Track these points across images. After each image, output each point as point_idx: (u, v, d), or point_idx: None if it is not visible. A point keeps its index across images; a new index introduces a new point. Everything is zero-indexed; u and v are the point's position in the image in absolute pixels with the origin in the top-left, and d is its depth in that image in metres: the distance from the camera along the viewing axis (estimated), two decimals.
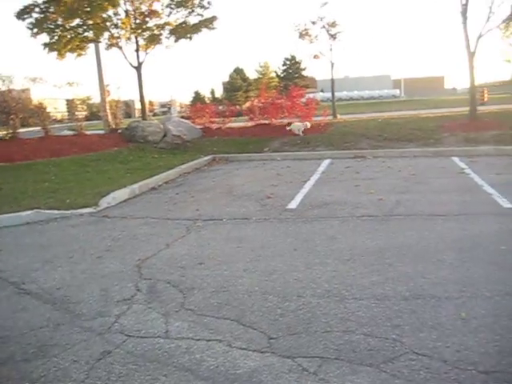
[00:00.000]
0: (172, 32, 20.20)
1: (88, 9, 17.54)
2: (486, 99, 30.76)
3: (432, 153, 13.04)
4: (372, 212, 7.25)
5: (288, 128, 17.42)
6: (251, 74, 71.91)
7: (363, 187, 9.11)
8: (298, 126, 17.27)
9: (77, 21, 18.39)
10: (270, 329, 3.84)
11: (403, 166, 11.45)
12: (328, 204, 7.91)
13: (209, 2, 20.25)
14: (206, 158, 14.34)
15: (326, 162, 12.88)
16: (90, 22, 18.20)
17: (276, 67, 70.89)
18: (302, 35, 24.35)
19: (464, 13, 16.66)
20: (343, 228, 6.53)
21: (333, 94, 25.91)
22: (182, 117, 23.54)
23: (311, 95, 24.47)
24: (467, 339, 3.50)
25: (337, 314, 4.00)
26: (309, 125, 17.49)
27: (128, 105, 52.99)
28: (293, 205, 8.02)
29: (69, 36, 18.65)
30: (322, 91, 66.62)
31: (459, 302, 4.12)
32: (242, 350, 3.56)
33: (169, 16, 20.21)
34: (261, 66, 73.15)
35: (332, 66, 24.60)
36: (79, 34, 18.71)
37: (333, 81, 25.25)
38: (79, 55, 19.63)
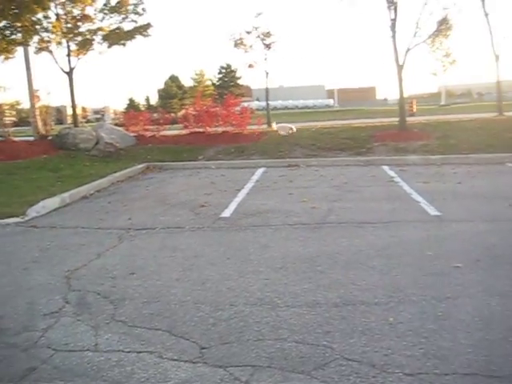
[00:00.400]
0: (105, 38, 19.84)
1: (16, 10, 16.93)
2: (414, 110, 32.00)
3: (363, 162, 13.41)
4: (305, 220, 7.36)
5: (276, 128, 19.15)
6: (187, 82, 71.66)
7: (296, 196, 9.24)
8: (284, 127, 19.31)
9: (3, 22, 17.71)
10: (201, 338, 3.81)
11: (336, 174, 11.71)
12: (261, 212, 7.96)
13: (143, 9, 20.07)
14: (139, 166, 14.12)
15: (260, 170, 12.98)
16: (19, 24, 17.56)
17: (212, 75, 70.96)
18: (237, 44, 24.57)
19: (393, 27, 17.27)
20: (276, 236, 6.58)
21: (267, 103, 26.20)
22: (116, 124, 23.15)
23: (246, 104, 24.64)
24: (394, 343, 3.60)
25: (269, 322, 4.01)
26: (294, 128, 19.09)
27: (60, 111, 51.51)
28: (227, 213, 8.02)
29: None
30: (257, 100, 67.21)
31: (388, 307, 4.23)
32: (173, 361, 3.51)
33: (102, 21, 19.87)
34: (196, 74, 72.94)
35: (266, 76, 24.93)
36: (6, 36, 18.01)
37: (267, 90, 25.56)
38: (6, 58, 18.88)
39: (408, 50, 17.39)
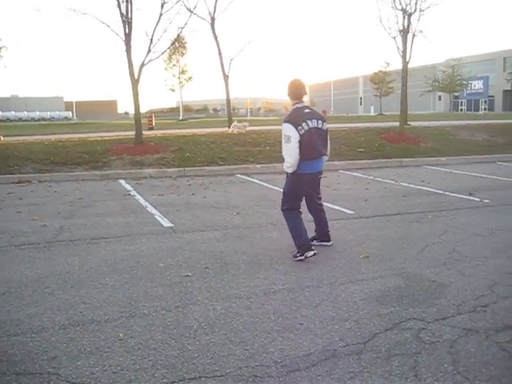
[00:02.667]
0: None
1: None
2: (153, 124, 32.58)
3: (100, 176, 13.20)
4: (33, 240, 6.90)
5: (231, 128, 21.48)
6: None
7: (26, 214, 8.63)
8: (238, 125, 22.04)
9: None
10: None
11: (70, 190, 11.28)
12: None
13: None
14: None
15: None
16: None
17: None
18: None
19: (127, 41, 17.35)
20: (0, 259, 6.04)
21: None
22: None
23: None
24: (124, 359, 3.57)
25: None
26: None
27: None
28: None
29: None
30: None
31: (118, 323, 4.19)
32: None
33: None
34: None
35: None
36: None
37: None
38: None
39: (143, 64, 17.65)
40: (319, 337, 3.88)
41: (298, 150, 5.74)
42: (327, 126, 6.17)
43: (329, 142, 6.25)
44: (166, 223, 7.84)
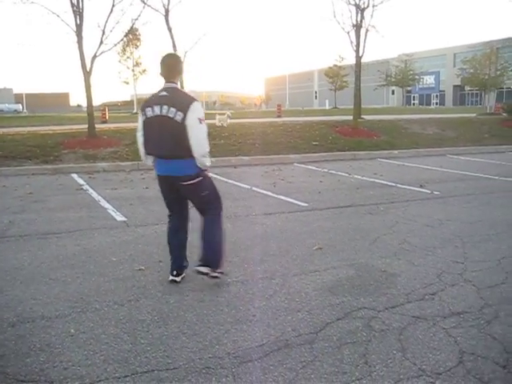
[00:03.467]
0: None
1: None
2: (107, 117, 32.02)
3: (51, 170, 12.91)
4: None
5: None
6: None
7: None
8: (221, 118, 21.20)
9: None
10: None
11: (20, 184, 10.97)
12: None
13: None
14: None
15: None
16: None
17: None
18: None
19: (79, 33, 16.98)
20: None
21: None
22: None
23: None
24: (75, 355, 3.52)
25: None
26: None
27: None
28: None
29: None
30: None
31: (69, 318, 4.12)
32: None
33: None
34: None
35: None
36: None
37: None
38: None
39: (95, 56, 17.30)
40: (272, 328, 3.91)
41: (141, 139, 4.76)
42: (192, 117, 4.48)
43: (194, 139, 4.55)
44: (119, 217, 7.74)
